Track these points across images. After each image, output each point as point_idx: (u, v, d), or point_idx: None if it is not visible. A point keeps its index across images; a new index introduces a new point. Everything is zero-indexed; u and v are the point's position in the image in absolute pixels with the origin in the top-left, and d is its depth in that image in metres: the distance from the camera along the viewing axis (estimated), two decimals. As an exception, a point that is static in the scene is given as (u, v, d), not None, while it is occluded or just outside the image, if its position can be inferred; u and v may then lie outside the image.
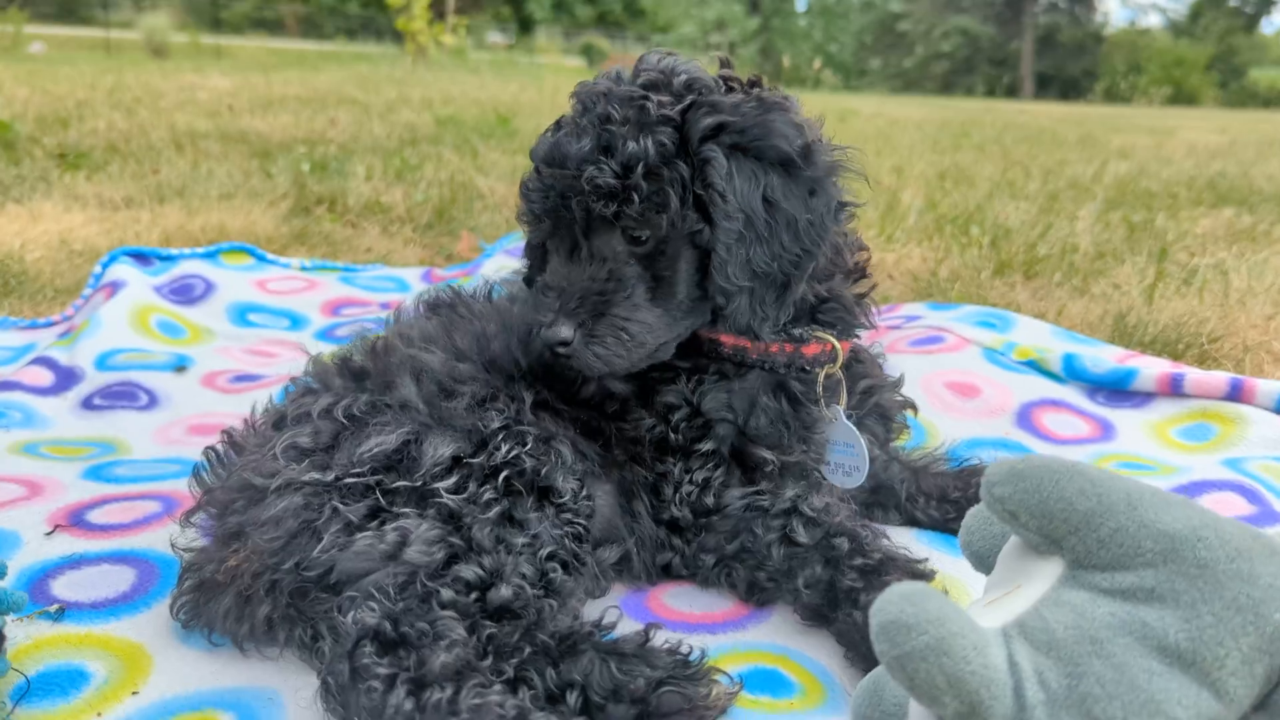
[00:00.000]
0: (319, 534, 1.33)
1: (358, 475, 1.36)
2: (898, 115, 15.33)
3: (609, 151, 1.44)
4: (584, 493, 1.46)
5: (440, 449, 1.38)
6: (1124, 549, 1.04)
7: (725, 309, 1.51)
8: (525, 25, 43.70)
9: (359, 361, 1.60)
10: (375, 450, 1.38)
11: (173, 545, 1.53)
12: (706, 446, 1.57)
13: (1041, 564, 1.10)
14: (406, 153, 6.83)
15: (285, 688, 1.30)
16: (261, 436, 1.57)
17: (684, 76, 1.52)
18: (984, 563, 1.24)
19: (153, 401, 2.34)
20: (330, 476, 1.37)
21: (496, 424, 1.43)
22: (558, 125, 1.55)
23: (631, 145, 1.43)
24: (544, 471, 1.42)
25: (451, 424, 1.44)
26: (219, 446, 1.63)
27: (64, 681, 1.30)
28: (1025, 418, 2.28)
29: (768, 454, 1.56)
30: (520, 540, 1.34)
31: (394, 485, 1.35)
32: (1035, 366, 2.54)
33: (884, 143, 9.58)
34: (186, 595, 1.41)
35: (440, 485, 1.35)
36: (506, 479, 1.38)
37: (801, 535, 1.47)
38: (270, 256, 3.36)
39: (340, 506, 1.34)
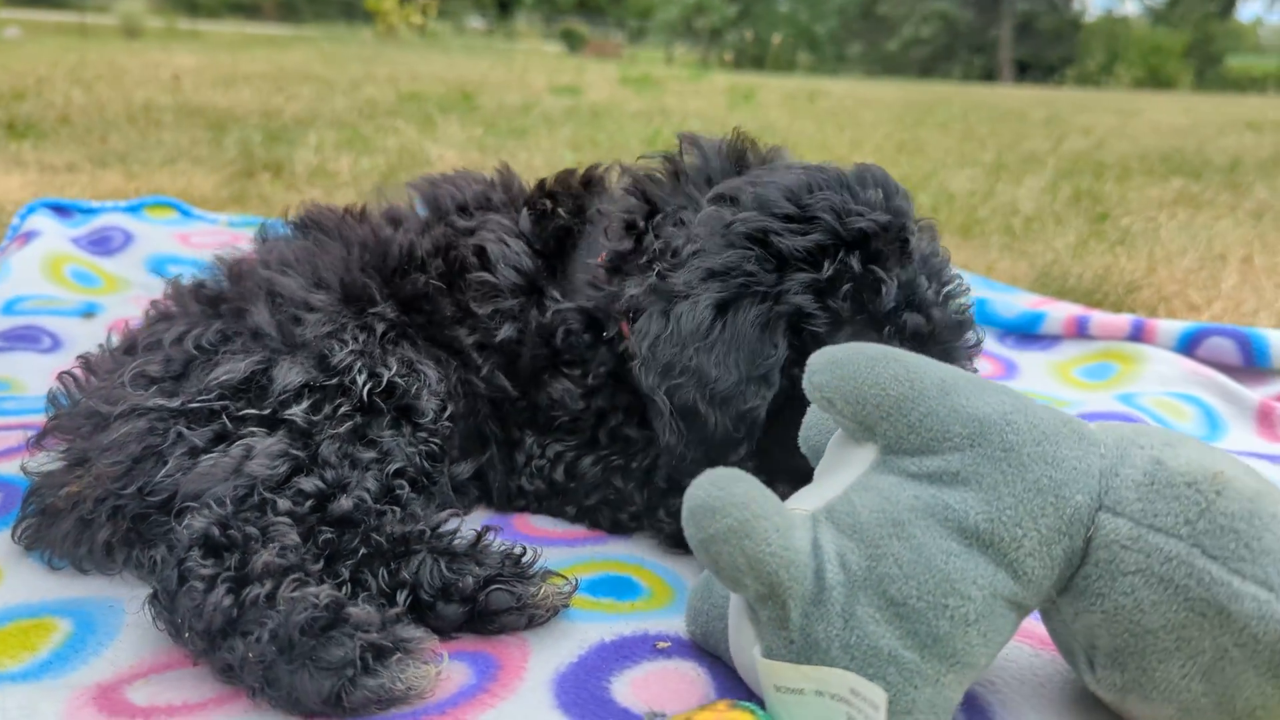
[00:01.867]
0: (163, 458, 1.31)
1: (204, 400, 1.34)
2: (869, 96, 15.35)
3: None
4: (445, 414, 1.46)
5: (290, 375, 1.36)
6: (933, 433, 1.03)
7: None
8: (504, 9, 43.42)
9: (214, 287, 1.58)
10: (224, 378, 1.36)
11: (23, 469, 1.51)
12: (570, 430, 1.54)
13: (858, 451, 1.09)
14: (363, 126, 6.80)
15: (131, 598, 1.30)
16: (114, 362, 1.55)
17: None
18: (819, 456, 1.24)
19: (56, 344, 2.32)
20: (176, 403, 1.35)
21: (347, 349, 1.41)
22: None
23: None
24: (414, 390, 1.41)
25: (304, 350, 1.42)
26: (75, 372, 1.60)
27: (-99, 591, 1.28)
28: (929, 359, 2.28)
29: (634, 433, 1.52)
30: (368, 456, 1.33)
31: (242, 412, 1.33)
32: (946, 312, 2.54)
33: (848, 119, 9.58)
34: (29, 520, 1.39)
35: (289, 411, 1.33)
36: (364, 398, 1.37)
37: (661, 480, 1.47)
38: (197, 212, 3.34)
39: (185, 431, 1.32)
